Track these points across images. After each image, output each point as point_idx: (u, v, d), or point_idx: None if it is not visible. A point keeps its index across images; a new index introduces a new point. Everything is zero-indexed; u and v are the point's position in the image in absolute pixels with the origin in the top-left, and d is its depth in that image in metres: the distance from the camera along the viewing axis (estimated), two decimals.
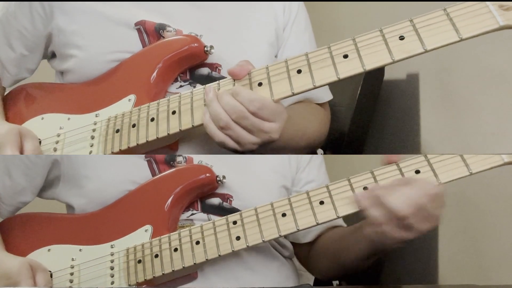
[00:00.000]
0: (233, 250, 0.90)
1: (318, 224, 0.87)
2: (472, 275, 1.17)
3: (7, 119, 1.06)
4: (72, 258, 0.99)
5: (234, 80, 0.90)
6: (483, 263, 1.15)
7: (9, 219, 1.06)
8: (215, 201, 1.00)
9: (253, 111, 0.85)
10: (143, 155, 1.00)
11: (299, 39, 1.13)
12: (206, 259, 0.91)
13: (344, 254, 0.99)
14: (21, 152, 0.96)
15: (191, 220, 0.99)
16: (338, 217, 0.87)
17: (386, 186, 0.83)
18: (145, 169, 1.00)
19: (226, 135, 0.87)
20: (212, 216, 0.98)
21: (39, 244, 1.01)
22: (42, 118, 1.03)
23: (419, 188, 0.81)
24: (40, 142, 1.00)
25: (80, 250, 0.99)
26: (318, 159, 1.14)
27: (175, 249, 0.93)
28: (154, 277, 0.93)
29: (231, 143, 0.87)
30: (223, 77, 0.96)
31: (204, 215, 0.99)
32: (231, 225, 0.91)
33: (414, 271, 1.27)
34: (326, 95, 1.18)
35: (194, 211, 0.99)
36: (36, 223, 1.04)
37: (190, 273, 0.95)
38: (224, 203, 1.00)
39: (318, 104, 1.17)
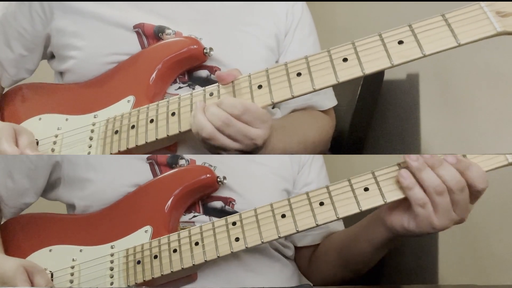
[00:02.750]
0: (232, 251, 0.90)
1: (317, 225, 0.87)
2: (472, 275, 1.17)
3: (4, 118, 1.06)
4: (73, 259, 0.99)
5: (221, 84, 0.90)
6: (483, 263, 1.15)
7: (11, 220, 1.07)
8: (217, 204, 1.00)
9: (236, 115, 0.85)
10: (145, 157, 1.00)
11: (302, 44, 1.11)
12: (205, 260, 0.91)
13: (353, 249, 0.98)
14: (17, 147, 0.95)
15: (193, 222, 0.99)
16: (338, 219, 0.86)
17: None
18: (147, 171, 1.00)
19: (211, 145, 0.87)
20: (214, 219, 0.98)
21: (41, 245, 1.02)
22: (40, 119, 1.03)
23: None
24: (37, 143, 1.00)
25: (80, 250, 1.00)
26: (319, 162, 1.14)
27: (174, 250, 0.93)
28: (153, 278, 0.93)
29: (216, 151, 0.88)
30: None
31: (206, 218, 0.99)
32: (230, 226, 0.91)
33: (414, 271, 1.27)
34: (330, 101, 1.16)
35: (196, 213, 0.99)
36: (38, 223, 1.04)
37: (189, 274, 0.95)
38: (226, 207, 1.00)
39: (322, 111, 1.15)
